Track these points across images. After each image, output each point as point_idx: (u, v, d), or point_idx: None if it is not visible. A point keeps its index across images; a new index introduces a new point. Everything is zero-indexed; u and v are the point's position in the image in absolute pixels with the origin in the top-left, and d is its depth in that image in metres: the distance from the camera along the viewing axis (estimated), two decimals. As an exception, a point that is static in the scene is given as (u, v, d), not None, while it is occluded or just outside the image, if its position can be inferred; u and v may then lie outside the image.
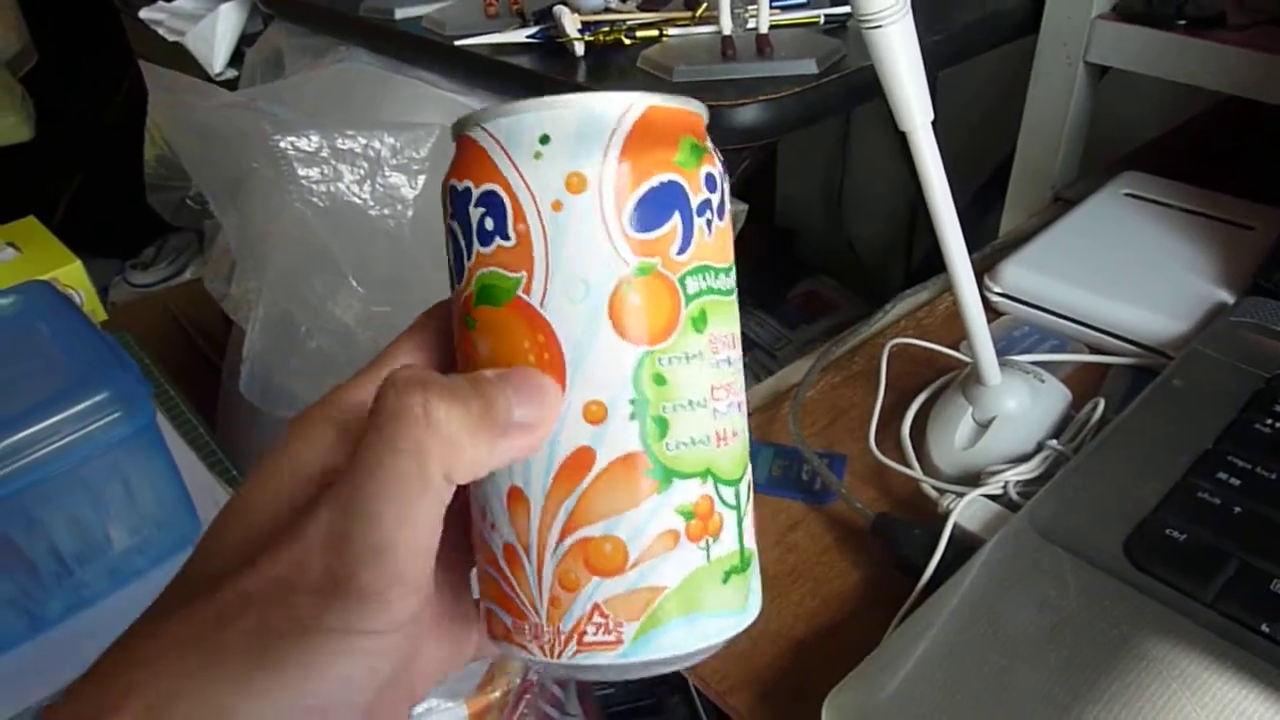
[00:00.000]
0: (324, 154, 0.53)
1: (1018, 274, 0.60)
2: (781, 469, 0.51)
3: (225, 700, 0.20)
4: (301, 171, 0.53)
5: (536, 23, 0.76)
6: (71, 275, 0.93)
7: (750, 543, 0.26)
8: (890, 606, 0.43)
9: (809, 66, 0.64)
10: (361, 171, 0.54)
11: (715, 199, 0.25)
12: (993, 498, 0.46)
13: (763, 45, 0.66)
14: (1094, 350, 0.57)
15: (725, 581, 0.25)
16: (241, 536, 0.23)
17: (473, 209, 0.24)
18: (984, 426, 0.50)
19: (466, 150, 0.25)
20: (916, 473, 0.49)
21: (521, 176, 0.23)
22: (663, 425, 0.23)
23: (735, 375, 0.25)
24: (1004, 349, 0.55)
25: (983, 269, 0.58)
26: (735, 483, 0.25)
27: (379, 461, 0.21)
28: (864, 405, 0.55)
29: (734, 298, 0.25)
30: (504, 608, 0.25)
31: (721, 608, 0.25)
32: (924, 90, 0.40)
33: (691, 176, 0.24)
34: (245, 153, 0.54)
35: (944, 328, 0.61)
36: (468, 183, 0.24)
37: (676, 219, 0.23)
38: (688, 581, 0.24)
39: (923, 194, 0.42)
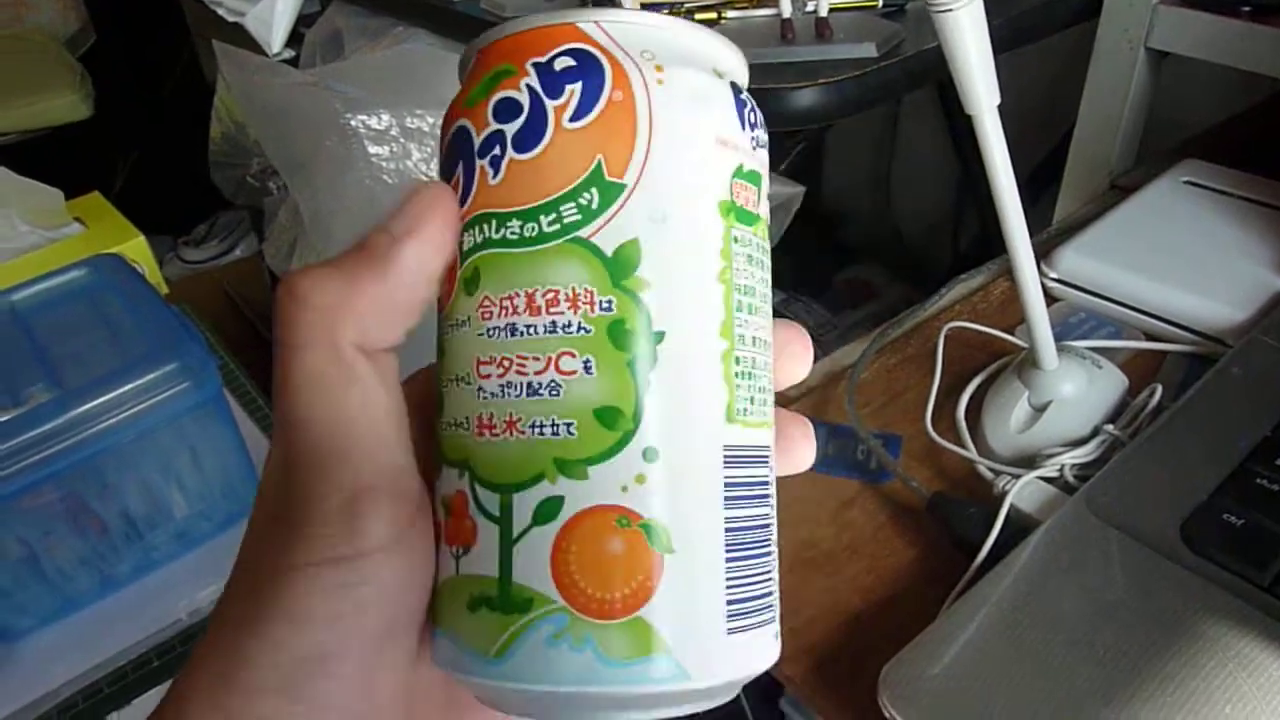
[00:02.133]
0: (393, 132, 0.54)
1: (1075, 260, 0.60)
2: (837, 448, 0.52)
3: (226, 678, 0.18)
4: (371, 149, 0.54)
5: (595, 5, 0.76)
6: (135, 250, 0.95)
7: (541, 586, 0.18)
8: (944, 584, 0.44)
9: (868, 50, 0.64)
10: (429, 149, 0.55)
11: (512, 127, 0.20)
12: (1048, 480, 0.47)
13: (822, 28, 0.66)
14: (1151, 337, 0.57)
15: (471, 610, 0.19)
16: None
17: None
18: (1039, 410, 0.50)
19: None
20: (972, 454, 0.50)
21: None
22: (440, 400, 0.21)
23: (530, 346, 0.19)
24: (1060, 335, 0.55)
25: (1039, 255, 0.58)
26: (502, 489, 0.19)
27: (284, 366, 0.19)
28: (918, 387, 0.56)
29: (546, 246, 0.19)
30: None
31: (467, 640, 0.19)
32: (992, 75, 0.40)
33: (477, 113, 0.20)
34: (317, 130, 0.56)
35: (998, 312, 0.61)
36: None
37: (459, 170, 0.20)
38: (439, 588, 0.20)
39: (973, 180, 0.43)
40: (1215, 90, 0.87)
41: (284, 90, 0.58)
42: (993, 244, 0.46)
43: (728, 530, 0.19)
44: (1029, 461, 0.48)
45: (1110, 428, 0.49)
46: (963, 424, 0.52)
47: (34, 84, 1.66)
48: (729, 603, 0.19)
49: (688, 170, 0.20)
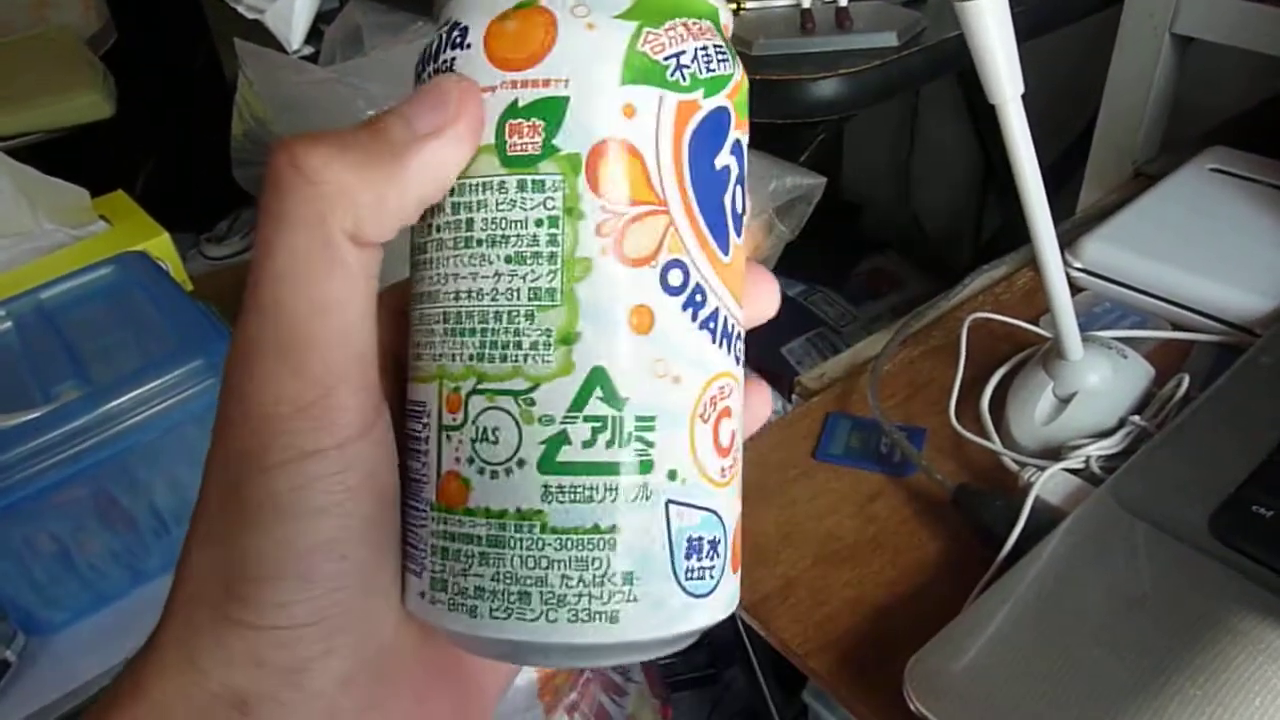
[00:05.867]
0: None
1: (1100, 249, 0.60)
2: (860, 441, 0.52)
3: (236, 573, 0.18)
4: (393, 145, 0.54)
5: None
6: (159, 247, 0.96)
7: None
8: (969, 577, 0.43)
9: (889, 39, 0.64)
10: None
11: None
12: (1074, 472, 0.46)
13: (842, 18, 0.66)
14: (1177, 327, 0.57)
15: None
16: None
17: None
18: (1065, 401, 0.50)
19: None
20: (996, 446, 0.50)
21: None
22: None
23: None
24: (1085, 325, 0.54)
25: (1063, 244, 0.58)
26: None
27: (267, 242, 0.18)
28: (942, 379, 0.55)
29: None
30: None
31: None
32: (1015, 64, 0.40)
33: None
34: (338, 127, 0.56)
35: (1022, 303, 0.61)
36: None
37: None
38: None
39: (995, 170, 0.43)
40: (1241, 76, 0.86)
41: (307, 87, 0.59)
42: (1015, 234, 0.45)
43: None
44: (1054, 453, 0.48)
45: (1136, 419, 0.48)
46: (987, 416, 0.52)
47: (57, 83, 1.67)
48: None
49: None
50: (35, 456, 0.56)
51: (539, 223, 0.19)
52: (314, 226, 0.18)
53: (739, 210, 0.21)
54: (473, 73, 0.20)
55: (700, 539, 0.20)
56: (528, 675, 0.73)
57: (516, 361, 0.19)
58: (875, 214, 1.44)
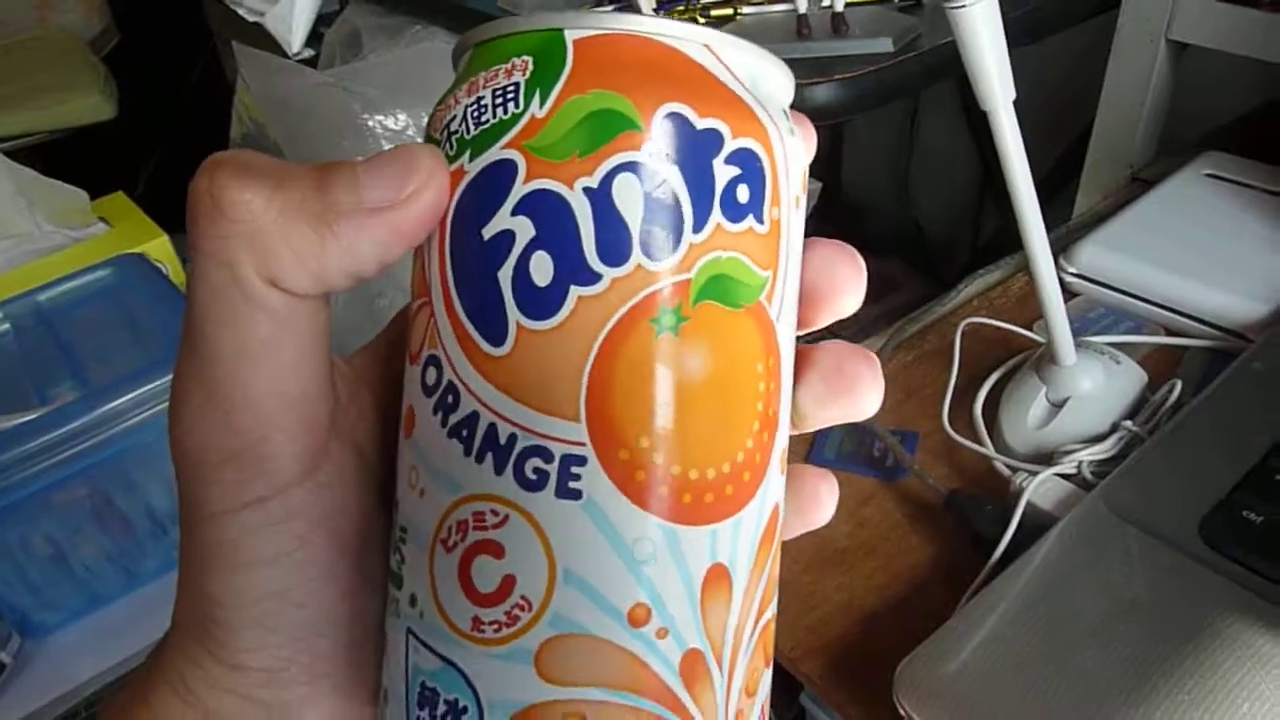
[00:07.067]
0: (410, 132, 0.55)
1: (1094, 255, 0.60)
2: (853, 445, 0.52)
3: (207, 619, 0.18)
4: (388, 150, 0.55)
5: (611, 2, 0.76)
6: (159, 249, 0.96)
7: None
8: (961, 582, 0.44)
9: (885, 45, 0.64)
10: (446, 149, 0.55)
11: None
12: (1066, 477, 0.46)
13: (838, 23, 0.66)
14: (1170, 332, 0.57)
15: None
16: None
17: (722, 163, 0.16)
18: (1058, 406, 0.50)
19: (698, 73, 0.17)
20: (989, 450, 0.50)
21: (783, 149, 0.18)
22: None
23: None
24: (1079, 330, 0.54)
25: (1058, 249, 0.58)
26: None
27: (191, 275, 0.17)
28: (936, 384, 0.55)
29: None
30: None
31: None
32: (1006, 70, 0.40)
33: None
34: (335, 130, 0.56)
35: (1017, 308, 0.61)
36: (716, 122, 0.16)
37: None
38: None
39: (993, 174, 0.43)
40: (1237, 81, 0.86)
41: (303, 91, 0.59)
42: (1013, 238, 0.46)
43: None
44: (1046, 458, 0.48)
45: (1129, 424, 0.48)
46: (980, 420, 0.52)
47: (58, 85, 1.67)
48: None
49: None
50: (32, 458, 0.56)
51: None
52: (225, 266, 0.16)
53: (541, 283, 0.16)
54: None
55: (434, 693, 0.17)
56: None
57: None
58: (875, 218, 1.44)
